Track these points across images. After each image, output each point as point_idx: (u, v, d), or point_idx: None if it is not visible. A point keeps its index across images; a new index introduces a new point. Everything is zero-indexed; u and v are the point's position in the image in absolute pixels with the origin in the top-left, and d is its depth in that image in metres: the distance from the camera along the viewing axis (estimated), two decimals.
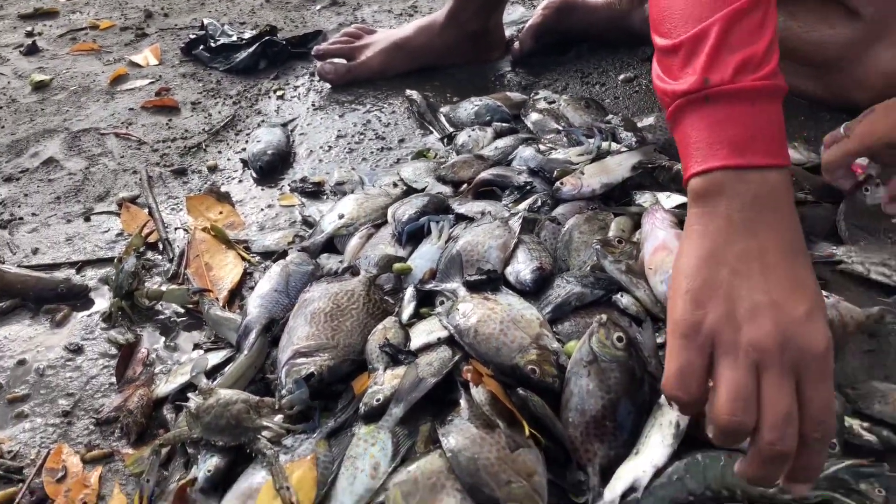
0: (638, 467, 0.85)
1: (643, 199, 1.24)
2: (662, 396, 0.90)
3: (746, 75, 0.78)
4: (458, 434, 0.86)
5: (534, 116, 1.59)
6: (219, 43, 2.08)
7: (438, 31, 1.82)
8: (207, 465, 0.89)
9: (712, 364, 0.73)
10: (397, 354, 0.96)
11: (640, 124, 1.46)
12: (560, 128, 1.51)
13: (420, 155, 1.53)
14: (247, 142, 1.65)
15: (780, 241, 0.76)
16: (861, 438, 0.90)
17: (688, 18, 0.83)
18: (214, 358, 1.07)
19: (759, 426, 0.70)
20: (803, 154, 1.40)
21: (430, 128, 1.65)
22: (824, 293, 1.05)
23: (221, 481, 0.89)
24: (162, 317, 1.20)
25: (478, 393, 0.90)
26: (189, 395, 0.97)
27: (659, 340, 0.98)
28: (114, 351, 1.14)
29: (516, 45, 1.88)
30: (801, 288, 0.74)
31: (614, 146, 1.37)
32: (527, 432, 0.87)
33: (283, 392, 0.94)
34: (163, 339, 1.17)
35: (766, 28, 0.80)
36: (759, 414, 0.70)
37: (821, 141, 1.44)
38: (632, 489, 0.84)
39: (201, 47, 2.09)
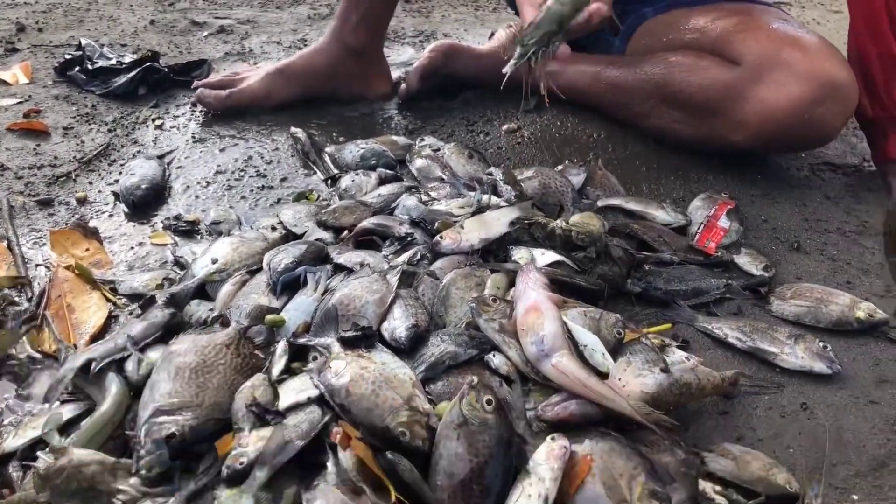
0: None
1: (519, 254, 1.27)
2: (531, 462, 0.92)
3: None
4: (323, 500, 0.84)
5: (418, 163, 1.60)
6: (97, 65, 2.00)
7: (320, 49, 1.83)
8: None
9: None
10: (264, 414, 0.93)
11: (520, 177, 1.50)
12: (444, 176, 1.53)
13: (302, 196, 1.51)
14: (120, 173, 1.58)
15: None
16: (713, 502, 0.94)
17: None
18: (70, 411, 1.01)
19: None
20: (671, 215, 1.47)
21: (314, 167, 1.64)
22: (684, 354, 1.10)
23: None
24: (14, 362, 1.13)
25: (345, 457, 0.89)
26: (39, 453, 0.91)
27: (528, 406, 1.00)
28: None
29: (403, 85, 1.90)
30: None
31: (494, 200, 1.40)
32: (393, 498, 0.86)
33: (142, 453, 0.89)
34: (14, 386, 1.09)
35: None
36: None
37: (688, 202, 1.53)
38: None
39: (77, 68, 2.00)
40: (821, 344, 1.18)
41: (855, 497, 0.99)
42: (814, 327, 1.26)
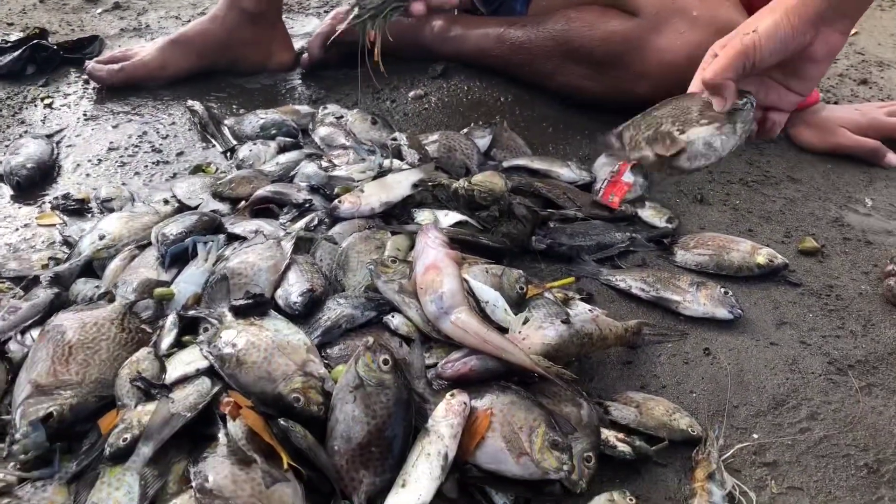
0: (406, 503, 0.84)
1: (422, 216, 1.24)
2: (430, 421, 0.90)
3: None
4: (211, 472, 0.81)
5: (321, 131, 1.56)
6: None
7: (215, 16, 1.75)
8: None
9: None
10: (149, 388, 0.89)
11: (425, 142, 1.47)
12: (347, 143, 1.49)
13: (198, 169, 1.46)
14: (5, 154, 1.50)
15: None
16: (615, 450, 0.94)
17: None
18: None
19: None
20: (576, 172, 1.47)
21: (213, 140, 1.58)
22: (587, 307, 1.10)
23: None
24: None
25: (235, 427, 0.85)
26: None
27: (428, 361, 0.98)
28: None
29: (305, 55, 1.85)
30: None
31: (396, 163, 1.37)
32: (286, 465, 0.83)
33: (17, 436, 0.84)
34: None
35: None
36: None
37: (593, 160, 1.53)
38: None
39: None
40: (722, 290, 1.19)
41: (755, 436, 1.00)
42: (716, 275, 1.27)
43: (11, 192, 1.41)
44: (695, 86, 1.15)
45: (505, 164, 1.49)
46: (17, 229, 1.31)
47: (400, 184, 1.27)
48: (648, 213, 1.39)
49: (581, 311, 1.10)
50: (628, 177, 1.45)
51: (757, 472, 0.96)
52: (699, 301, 1.18)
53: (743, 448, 0.98)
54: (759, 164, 1.61)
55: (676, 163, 1.11)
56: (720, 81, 1.07)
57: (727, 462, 0.95)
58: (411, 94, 1.77)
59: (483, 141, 1.53)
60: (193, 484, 0.80)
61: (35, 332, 1.02)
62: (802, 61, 1.09)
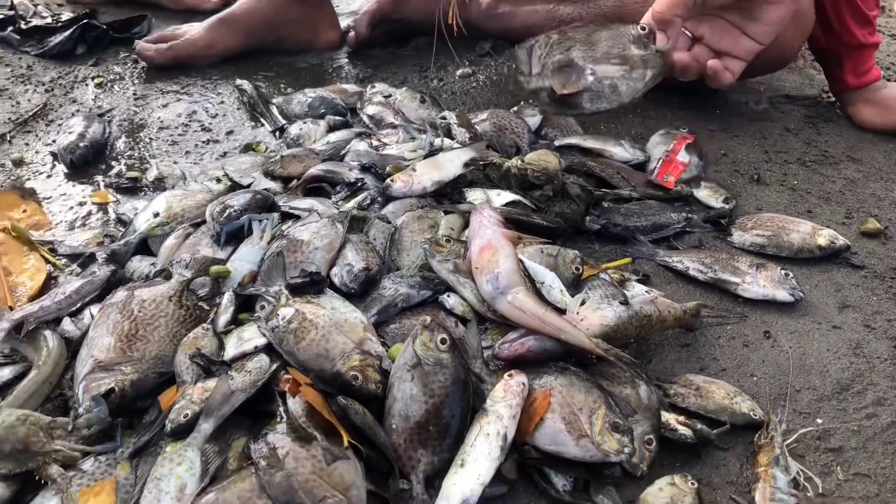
0: (465, 485, 0.83)
1: (474, 196, 1.23)
2: (488, 401, 0.89)
3: None
4: (272, 449, 0.81)
5: (370, 110, 1.55)
6: (31, 24, 1.91)
7: None
8: None
9: None
10: (209, 365, 0.89)
11: (474, 120, 1.45)
12: (396, 122, 1.48)
13: (248, 148, 1.46)
14: (59, 133, 1.51)
15: None
16: (676, 433, 0.92)
17: None
18: (6, 374, 0.96)
19: None
20: (629, 152, 1.44)
21: (262, 119, 1.58)
22: (645, 288, 1.08)
23: None
24: None
25: (294, 404, 0.85)
26: None
27: (484, 344, 0.97)
28: None
29: (352, 33, 1.84)
30: None
31: (447, 142, 1.36)
32: (346, 443, 0.83)
33: (80, 410, 0.85)
34: None
35: None
36: None
37: (647, 139, 1.50)
38: None
39: (10, 29, 1.90)
40: (783, 272, 1.16)
41: (819, 421, 0.98)
42: (776, 256, 1.24)
43: (65, 171, 1.42)
44: (645, 18, 1.10)
45: (557, 143, 1.47)
46: (72, 207, 1.32)
47: (452, 163, 1.26)
48: (705, 194, 1.36)
49: (638, 292, 1.08)
50: (683, 156, 1.42)
51: (822, 458, 0.94)
52: (759, 283, 1.16)
53: (807, 433, 0.96)
54: (818, 144, 1.57)
55: (576, 101, 1.05)
56: (668, 17, 1.02)
57: (790, 447, 0.93)
58: (459, 72, 1.75)
59: (534, 119, 1.51)
60: (254, 461, 0.80)
61: (94, 309, 1.03)
62: (759, 2, 1.04)
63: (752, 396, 0.99)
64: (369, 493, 0.83)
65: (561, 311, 0.99)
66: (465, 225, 1.15)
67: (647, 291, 1.08)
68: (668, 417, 0.94)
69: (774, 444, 0.92)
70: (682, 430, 0.93)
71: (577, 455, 0.87)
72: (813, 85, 1.83)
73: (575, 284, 1.06)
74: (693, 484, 0.87)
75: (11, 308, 1.07)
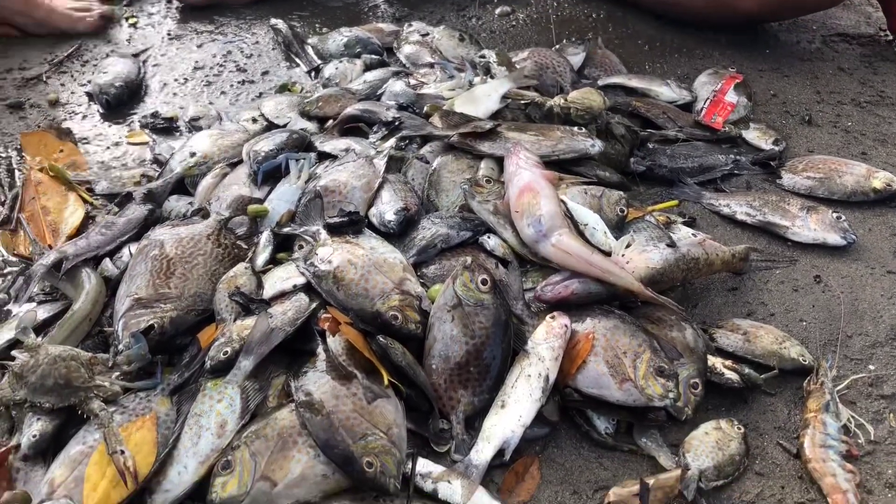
0: (506, 426, 0.82)
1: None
2: (530, 343, 0.87)
3: None
4: (312, 387, 0.80)
5: (406, 49, 1.52)
6: None
7: None
8: (32, 429, 0.80)
9: None
10: (248, 304, 0.88)
11: (515, 59, 1.41)
12: (433, 61, 1.45)
13: (284, 88, 1.43)
14: (94, 73, 1.50)
15: None
16: (723, 378, 0.90)
17: None
18: (46, 311, 0.97)
19: None
20: (676, 91, 1.39)
21: (297, 59, 1.55)
22: (691, 231, 1.05)
23: (49, 447, 0.80)
24: None
25: (335, 342, 0.84)
26: (14, 352, 0.86)
27: (526, 284, 0.95)
28: None
29: None
30: None
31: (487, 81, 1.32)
32: (386, 382, 0.82)
33: (120, 347, 0.85)
34: None
35: None
36: None
37: (693, 79, 1.45)
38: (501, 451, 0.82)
39: None
40: (834, 214, 1.12)
41: (872, 367, 0.95)
42: (827, 199, 1.19)
43: (101, 111, 1.41)
44: None
45: (600, 83, 1.42)
46: (108, 148, 1.32)
47: (489, 97, 1.22)
48: (753, 135, 1.31)
49: (685, 235, 1.05)
50: (731, 96, 1.36)
51: (874, 405, 0.91)
52: (809, 226, 1.12)
53: (858, 379, 0.93)
54: (874, 84, 1.50)
55: None
56: None
57: (841, 394, 0.90)
58: (498, 10, 1.70)
59: (576, 58, 1.46)
60: (295, 398, 0.80)
61: (132, 248, 1.02)
62: None
63: (801, 342, 0.96)
64: (409, 432, 0.82)
65: (605, 254, 0.96)
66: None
67: (693, 234, 1.05)
68: (715, 361, 0.92)
69: (825, 389, 0.89)
70: (729, 374, 0.90)
71: (620, 399, 0.85)
72: (870, 23, 1.74)
73: (619, 227, 1.03)
74: (739, 429, 0.85)
75: (51, 247, 1.07)
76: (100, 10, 1.66)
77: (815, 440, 0.84)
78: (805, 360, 0.93)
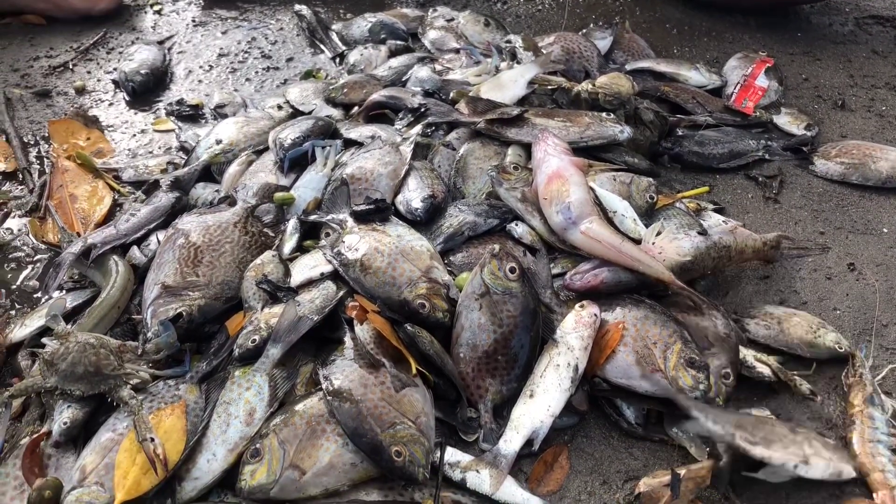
0: (535, 416, 0.81)
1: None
2: (559, 332, 0.86)
3: None
4: (341, 375, 0.80)
5: (431, 34, 1.50)
6: None
7: None
8: (63, 416, 0.80)
9: None
10: (276, 291, 0.88)
11: (541, 44, 1.39)
12: (459, 46, 1.43)
13: (309, 75, 1.43)
14: (119, 61, 1.50)
15: None
16: (753, 371, 0.88)
17: None
18: (75, 299, 0.97)
19: None
20: (705, 76, 1.37)
21: (321, 46, 1.54)
22: (722, 218, 1.03)
23: (79, 434, 0.81)
24: (18, 254, 1.09)
25: (362, 331, 0.84)
26: (44, 339, 0.87)
27: (554, 271, 0.94)
28: None
29: None
30: None
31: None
32: (414, 370, 0.81)
33: (149, 335, 0.85)
34: (21, 276, 1.05)
35: None
36: None
37: (723, 63, 1.43)
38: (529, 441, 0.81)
39: None
40: None
41: None
42: (861, 186, 1.17)
43: (127, 98, 1.41)
44: None
45: (628, 67, 1.40)
46: (134, 135, 1.32)
47: (515, 82, 1.21)
48: (785, 120, 1.29)
49: (715, 222, 1.04)
50: (762, 80, 1.34)
51: None
52: None
53: (895, 369, 0.91)
54: None
55: None
56: None
57: (878, 384, 0.89)
58: None
59: (604, 43, 1.44)
60: (323, 386, 0.80)
61: (160, 235, 1.02)
62: None
63: (835, 329, 0.95)
64: (437, 421, 0.82)
65: (635, 241, 0.95)
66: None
67: (724, 221, 1.04)
68: (746, 354, 0.90)
69: (865, 381, 0.87)
70: (760, 367, 0.89)
71: (650, 390, 0.84)
72: None
73: (648, 214, 1.02)
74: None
75: (79, 234, 1.07)
76: None
77: (865, 435, 0.82)
78: (841, 348, 0.91)
